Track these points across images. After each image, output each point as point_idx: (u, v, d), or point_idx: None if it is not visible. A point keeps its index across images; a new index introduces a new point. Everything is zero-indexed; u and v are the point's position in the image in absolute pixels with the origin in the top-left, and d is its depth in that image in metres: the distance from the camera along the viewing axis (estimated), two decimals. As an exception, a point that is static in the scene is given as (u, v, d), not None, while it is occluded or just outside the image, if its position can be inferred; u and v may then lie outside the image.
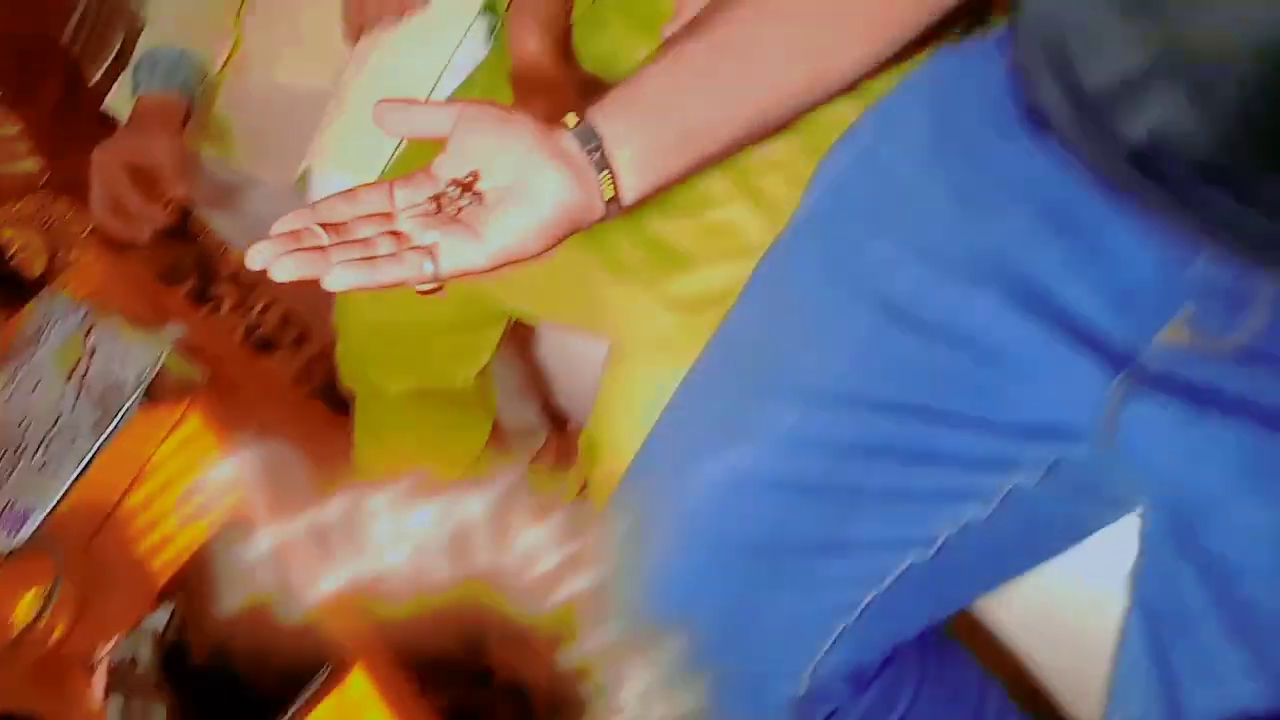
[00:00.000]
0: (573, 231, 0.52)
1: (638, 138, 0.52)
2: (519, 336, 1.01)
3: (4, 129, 1.67)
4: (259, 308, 1.77)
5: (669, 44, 0.55)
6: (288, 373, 1.54)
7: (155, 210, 1.04)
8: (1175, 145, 0.43)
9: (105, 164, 1.04)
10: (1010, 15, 0.52)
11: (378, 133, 1.04)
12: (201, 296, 1.82)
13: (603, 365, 0.83)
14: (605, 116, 0.52)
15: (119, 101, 1.21)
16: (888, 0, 0.54)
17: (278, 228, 0.50)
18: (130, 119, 1.10)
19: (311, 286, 0.49)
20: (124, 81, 1.21)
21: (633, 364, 0.76)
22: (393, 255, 0.49)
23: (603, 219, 0.53)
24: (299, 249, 0.48)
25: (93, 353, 0.85)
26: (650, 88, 0.53)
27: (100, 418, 0.83)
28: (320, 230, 0.49)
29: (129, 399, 0.77)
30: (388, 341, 0.92)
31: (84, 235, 1.16)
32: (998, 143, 0.53)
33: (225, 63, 1.20)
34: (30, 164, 1.80)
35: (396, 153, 1.02)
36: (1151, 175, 0.45)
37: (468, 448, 1.07)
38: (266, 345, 1.64)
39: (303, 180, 1.14)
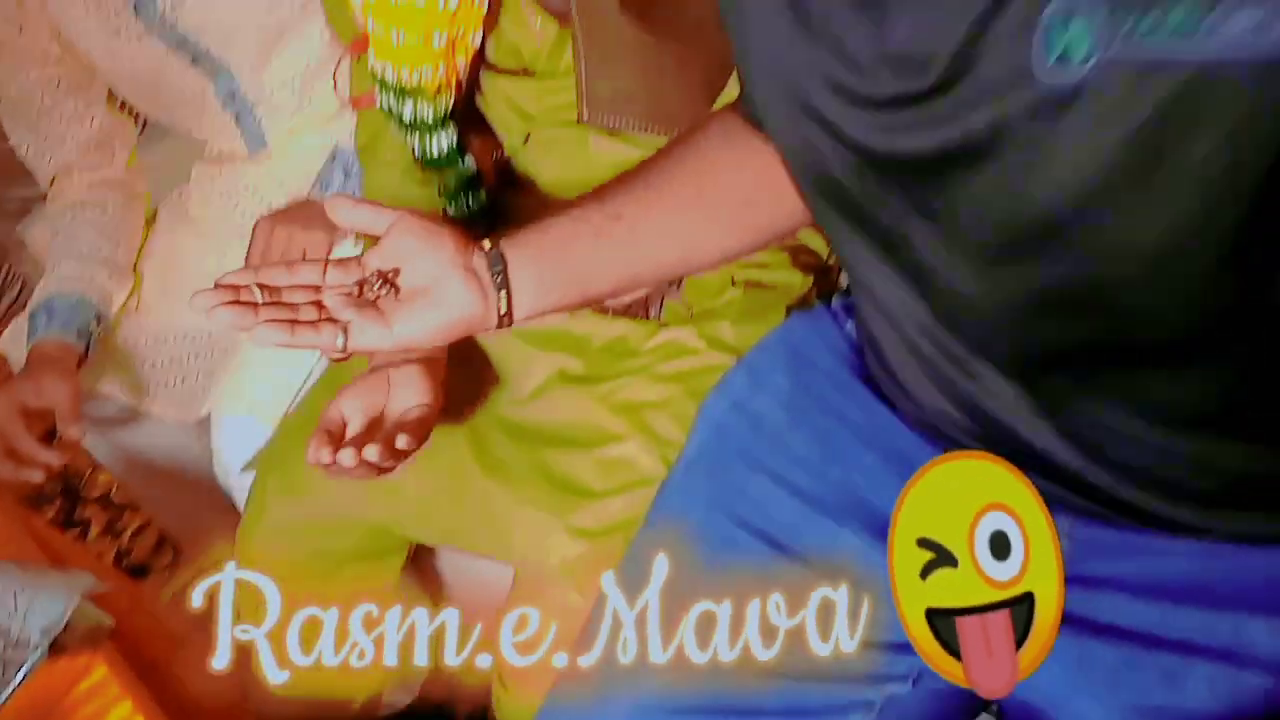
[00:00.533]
0: (467, 334, 0.62)
1: (535, 271, 0.63)
2: (419, 562, 1.05)
3: None
4: (131, 530, 1.73)
5: (584, 198, 0.67)
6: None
7: (50, 454, 1.06)
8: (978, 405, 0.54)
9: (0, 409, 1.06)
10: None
11: (280, 378, 1.11)
12: (68, 521, 1.76)
13: (507, 589, 0.88)
14: (513, 247, 0.63)
15: (9, 344, 1.24)
16: (747, 214, 0.68)
17: (222, 279, 0.58)
18: (26, 364, 1.12)
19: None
20: (17, 326, 1.24)
21: (539, 589, 0.81)
22: (312, 323, 0.57)
23: (494, 328, 0.63)
24: (235, 302, 0.56)
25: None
26: (553, 233, 0.65)
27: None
28: (257, 290, 0.58)
29: (31, 656, 0.76)
30: (289, 576, 0.94)
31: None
32: (845, 399, 0.67)
33: (124, 304, 1.25)
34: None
35: (298, 397, 1.08)
36: (976, 423, 0.56)
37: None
38: (139, 570, 1.60)
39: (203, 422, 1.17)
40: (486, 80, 0.87)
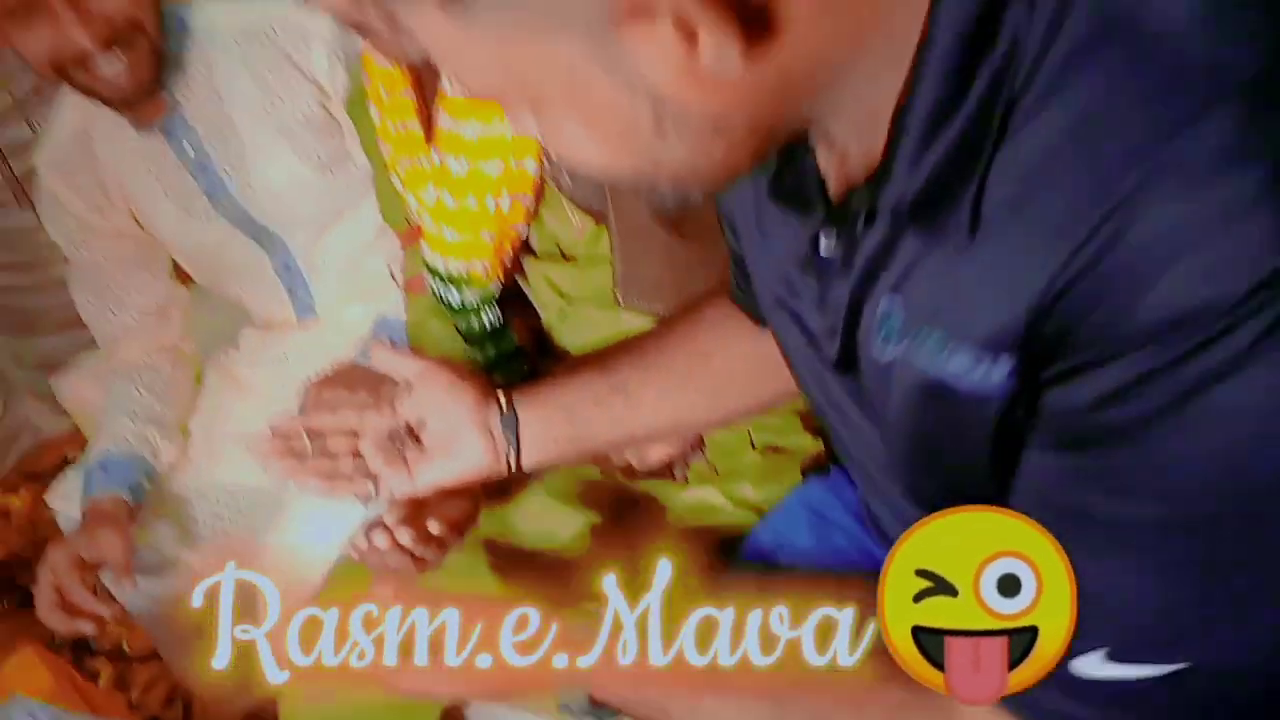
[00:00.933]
0: (481, 478, 0.73)
1: (543, 430, 0.74)
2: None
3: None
4: (142, 685, 1.72)
5: (590, 364, 0.77)
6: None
7: (103, 606, 1.10)
8: None
9: (57, 563, 1.11)
10: None
11: (320, 542, 1.15)
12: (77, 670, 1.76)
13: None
14: (525, 408, 0.74)
15: (61, 500, 1.30)
16: (733, 389, 0.77)
17: (275, 427, 0.69)
18: (83, 519, 1.18)
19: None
20: (69, 480, 1.31)
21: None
22: (348, 476, 0.69)
23: (508, 472, 0.73)
24: (287, 453, 0.68)
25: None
26: (561, 398, 0.75)
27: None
28: (306, 440, 0.69)
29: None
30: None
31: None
32: (860, 555, 0.73)
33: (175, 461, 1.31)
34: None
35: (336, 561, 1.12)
36: None
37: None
38: None
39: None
40: (528, 263, 0.97)
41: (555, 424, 0.75)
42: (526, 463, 0.74)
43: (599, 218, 0.88)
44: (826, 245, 0.50)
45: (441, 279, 0.95)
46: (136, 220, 1.31)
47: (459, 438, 0.72)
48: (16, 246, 1.36)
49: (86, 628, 1.11)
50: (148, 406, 1.30)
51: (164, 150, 1.24)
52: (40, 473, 2.15)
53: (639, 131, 0.41)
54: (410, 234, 1.01)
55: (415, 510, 0.76)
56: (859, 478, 0.66)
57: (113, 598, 1.15)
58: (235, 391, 1.39)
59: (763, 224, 0.58)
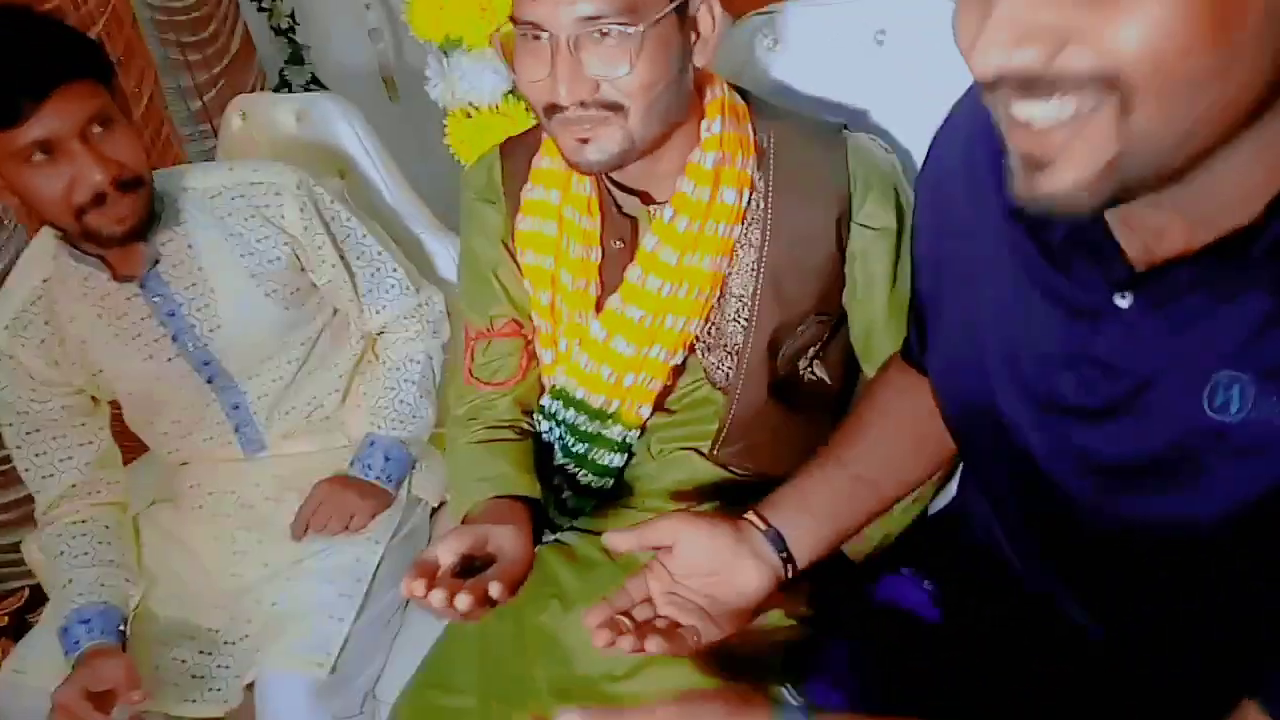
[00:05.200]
0: (772, 592, 0.79)
1: (806, 534, 0.81)
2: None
3: None
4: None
5: (817, 465, 0.85)
6: None
7: None
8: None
9: (66, 697, 1.12)
10: None
11: (325, 630, 1.15)
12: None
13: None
14: (782, 520, 0.80)
15: (25, 664, 1.25)
16: (937, 451, 0.85)
17: (595, 618, 0.76)
18: (78, 663, 1.17)
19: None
20: (32, 645, 1.27)
21: None
22: (670, 633, 0.75)
23: (791, 580, 0.80)
24: (610, 624, 0.75)
25: None
26: (813, 501, 0.82)
27: None
28: (625, 620, 0.76)
29: None
30: None
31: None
32: (938, 660, 0.79)
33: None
34: None
35: (344, 647, 1.21)
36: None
37: None
38: None
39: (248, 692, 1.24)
40: None
41: (815, 526, 0.81)
42: (804, 564, 0.81)
43: (721, 388, 1.01)
44: (1124, 303, 0.58)
45: (585, 410, 1.03)
46: (89, 373, 1.32)
47: (737, 571, 0.78)
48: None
49: None
50: (106, 557, 1.29)
51: (135, 301, 1.27)
52: None
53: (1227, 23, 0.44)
54: (485, 333, 1.09)
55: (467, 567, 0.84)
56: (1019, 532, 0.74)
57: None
58: (178, 536, 1.39)
59: (1020, 282, 0.65)
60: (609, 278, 1.01)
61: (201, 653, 1.29)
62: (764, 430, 1.04)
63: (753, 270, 0.97)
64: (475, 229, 1.09)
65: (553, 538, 1.11)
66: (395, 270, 1.41)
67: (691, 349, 1.01)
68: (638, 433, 1.05)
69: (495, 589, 0.82)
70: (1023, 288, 0.66)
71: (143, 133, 2.14)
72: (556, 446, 1.08)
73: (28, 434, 1.31)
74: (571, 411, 1.05)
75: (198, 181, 1.30)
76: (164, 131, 2.36)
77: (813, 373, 1.07)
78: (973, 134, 0.71)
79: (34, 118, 1.06)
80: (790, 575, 0.81)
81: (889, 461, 0.87)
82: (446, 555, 0.86)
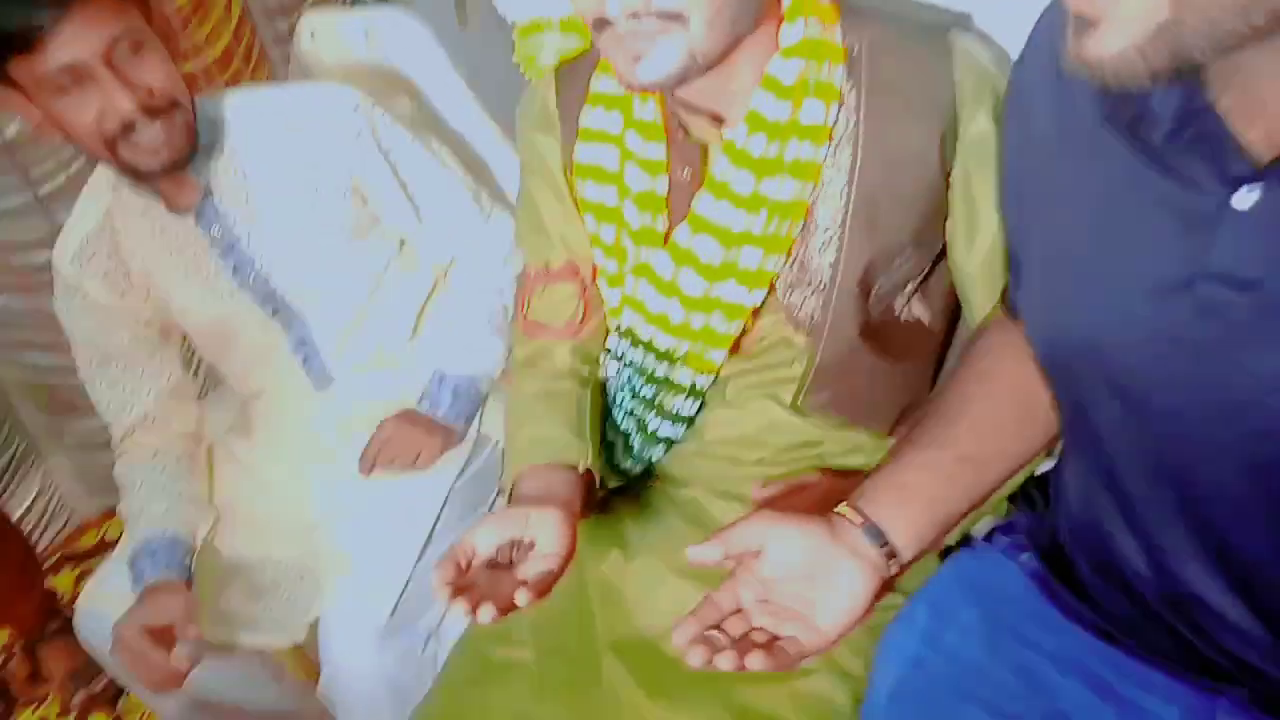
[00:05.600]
0: (877, 593, 0.70)
1: (909, 526, 0.71)
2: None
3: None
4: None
5: (914, 447, 0.75)
6: None
7: (180, 661, 1.11)
8: (1207, 606, 0.63)
9: (125, 632, 1.12)
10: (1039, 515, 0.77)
11: (388, 571, 1.15)
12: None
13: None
14: (880, 513, 0.71)
15: (97, 599, 1.26)
16: (1047, 421, 0.75)
17: (684, 635, 0.68)
18: (140, 597, 1.17)
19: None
20: (104, 579, 1.28)
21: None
22: (767, 647, 0.67)
23: (897, 576, 0.71)
24: (702, 641, 0.67)
25: None
26: (915, 490, 0.73)
27: None
28: (715, 634, 0.68)
29: None
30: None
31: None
32: (1036, 628, 0.73)
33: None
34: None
35: (405, 589, 1.18)
36: (1181, 632, 0.64)
37: None
38: None
39: (312, 629, 1.23)
40: None
41: (918, 517, 0.72)
42: (908, 559, 0.72)
43: (807, 331, 0.91)
44: (1249, 200, 0.52)
45: (653, 352, 0.94)
46: (156, 304, 1.30)
47: (836, 572, 0.69)
48: (57, 327, 1.34)
49: (175, 682, 1.12)
50: (177, 489, 1.29)
51: (193, 232, 1.24)
52: (79, 554, 2.11)
53: None
54: (541, 276, 1.01)
55: (505, 556, 0.79)
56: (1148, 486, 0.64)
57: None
58: (250, 470, 1.38)
59: (1115, 198, 0.58)
60: (678, 212, 0.90)
61: (273, 583, 1.29)
62: (853, 377, 0.93)
63: (842, 197, 0.85)
64: (530, 162, 0.99)
65: (619, 483, 1.04)
66: (463, 198, 1.33)
67: (771, 288, 0.90)
68: (710, 378, 0.95)
69: (521, 598, 0.74)
70: (1118, 204, 0.59)
71: (232, 55, 2.11)
72: (625, 389, 1.00)
73: (99, 365, 1.31)
74: (639, 352, 0.96)
75: (249, 106, 1.24)
76: (255, 52, 2.32)
77: (910, 312, 0.95)
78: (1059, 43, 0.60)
79: (54, 40, 1.01)
80: (895, 571, 0.72)
81: (995, 437, 0.76)
82: (484, 545, 0.79)
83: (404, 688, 1.17)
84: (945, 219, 0.88)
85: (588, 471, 0.92)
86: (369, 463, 1.29)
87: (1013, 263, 0.73)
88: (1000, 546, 0.80)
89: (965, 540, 0.87)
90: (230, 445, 1.41)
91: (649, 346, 0.95)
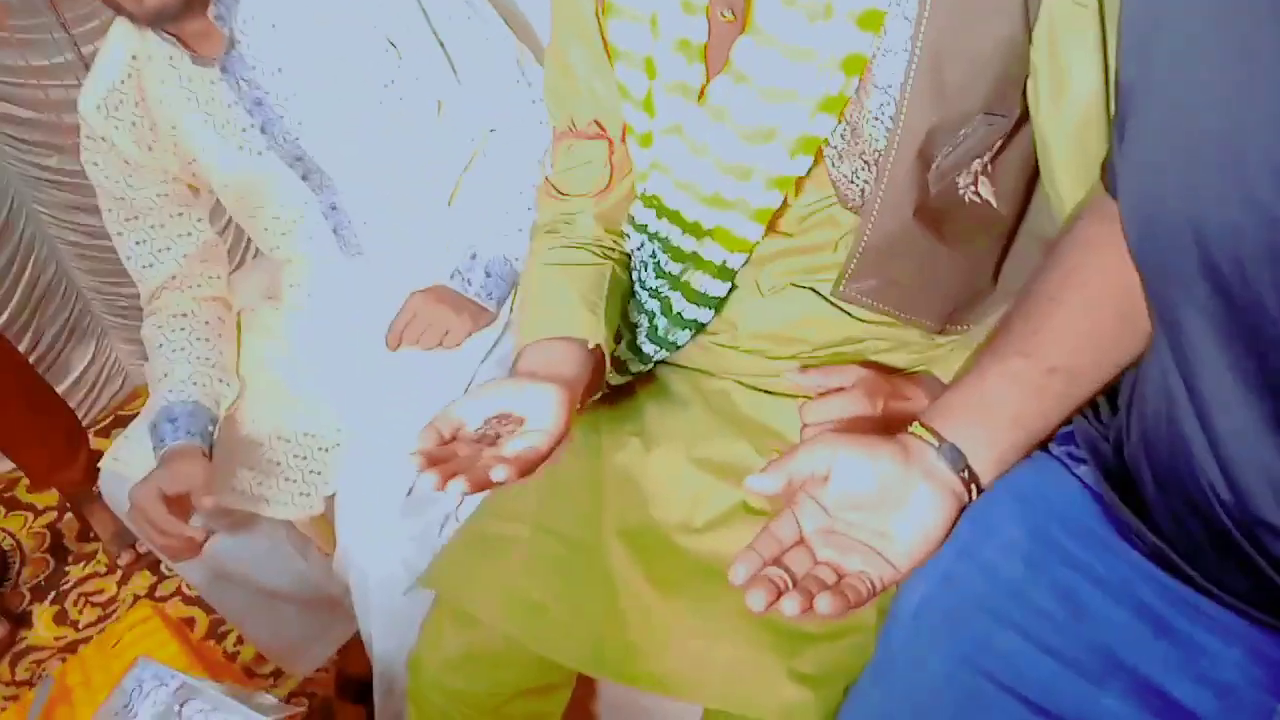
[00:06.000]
0: (955, 518, 0.64)
1: (991, 446, 0.64)
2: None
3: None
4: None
5: (996, 356, 0.67)
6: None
7: (195, 530, 1.11)
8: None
9: (142, 497, 1.11)
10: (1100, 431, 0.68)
11: (406, 452, 1.13)
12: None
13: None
14: (958, 431, 0.64)
15: (118, 462, 1.26)
16: (1130, 334, 0.65)
17: (742, 572, 0.61)
18: (160, 462, 1.16)
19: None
20: (128, 441, 1.27)
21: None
22: (834, 587, 0.60)
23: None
24: (763, 581, 0.60)
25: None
26: (997, 406, 0.65)
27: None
28: (777, 571, 0.61)
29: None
30: (460, 707, 0.94)
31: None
32: (1086, 550, 0.64)
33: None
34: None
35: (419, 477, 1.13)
36: (1255, 565, 0.56)
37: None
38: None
39: (330, 501, 1.20)
40: None
41: (1002, 436, 0.65)
42: (989, 482, 0.65)
43: (855, 208, 0.81)
44: None
45: (680, 224, 0.85)
46: (183, 160, 1.25)
47: (908, 498, 0.62)
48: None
49: (189, 549, 1.13)
50: (202, 354, 1.26)
51: (219, 86, 1.18)
52: (131, 417, 2.18)
53: None
54: (566, 133, 0.92)
55: (494, 430, 0.73)
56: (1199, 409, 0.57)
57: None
58: (277, 340, 1.35)
59: (1258, 45, 0.48)
60: (717, 61, 0.79)
61: (295, 456, 1.27)
62: (904, 263, 0.82)
63: (905, 50, 0.73)
64: (561, 5, 0.89)
65: (640, 369, 0.97)
66: (505, 59, 1.24)
67: (818, 155, 0.80)
68: (743, 257, 0.86)
69: (498, 473, 0.68)
70: (1263, 55, 0.48)
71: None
72: (650, 264, 0.91)
73: (126, 220, 1.27)
74: (664, 223, 0.87)
75: None
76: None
77: (976, 193, 0.83)
78: None
79: None
80: (974, 496, 0.64)
81: (1090, 345, 0.67)
82: (471, 417, 0.74)
83: (418, 568, 1.13)
84: (1025, 82, 0.76)
85: (599, 351, 0.85)
86: (395, 337, 1.24)
87: (1119, 128, 0.61)
88: (1057, 455, 0.70)
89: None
90: (259, 313, 1.37)
91: (676, 217, 0.86)
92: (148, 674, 0.87)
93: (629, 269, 0.94)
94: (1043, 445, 0.71)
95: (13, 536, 2.03)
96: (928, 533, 0.63)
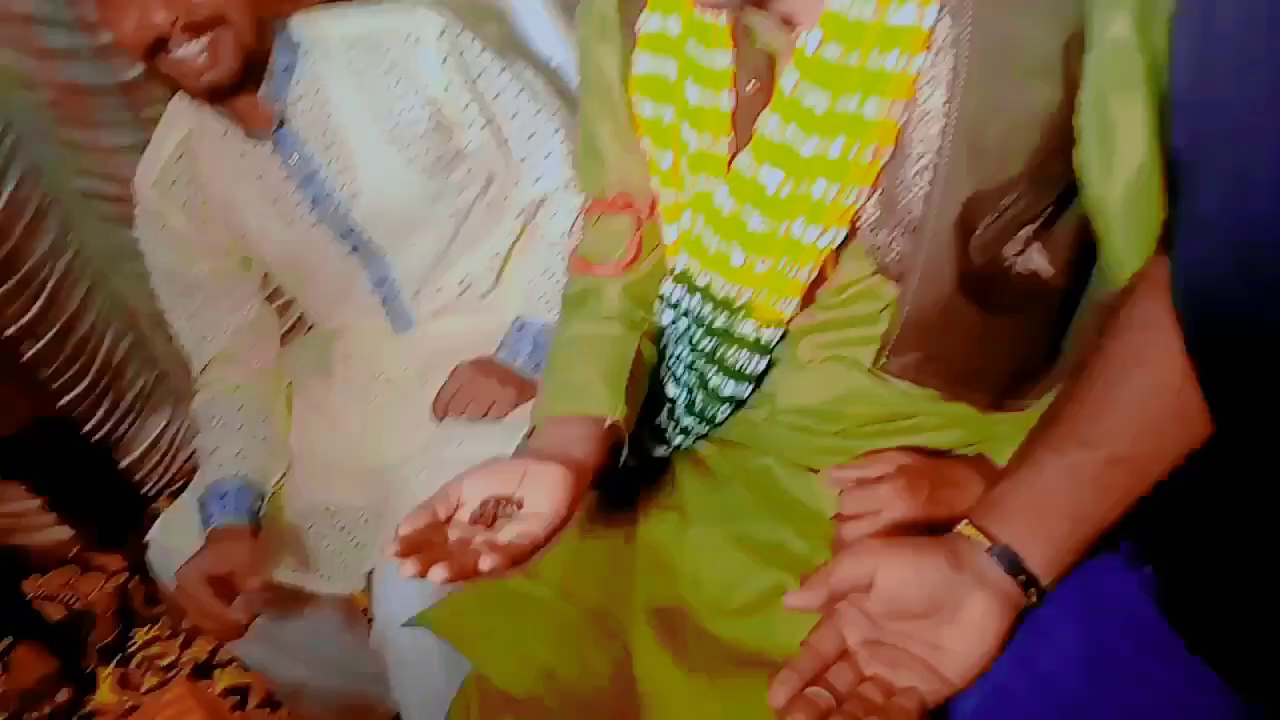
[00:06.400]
0: (1011, 627, 0.59)
1: (1052, 549, 0.59)
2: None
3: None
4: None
5: (1051, 448, 0.61)
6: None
7: (239, 612, 1.09)
8: None
9: (187, 579, 1.10)
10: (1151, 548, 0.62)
11: None
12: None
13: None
14: (1012, 529, 0.59)
15: (167, 534, 1.26)
16: (1196, 418, 0.58)
17: (782, 694, 0.56)
18: (206, 542, 1.15)
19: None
20: (174, 515, 1.27)
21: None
22: (883, 709, 0.55)
23: (1034, 605, 0.60)
24: (806, 704, 0.56)
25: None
26: (1055, 501, 0.60)
27: None
28: (820, 691, 0.56)
29: None
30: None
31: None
32: (1155, 660, 0.59)
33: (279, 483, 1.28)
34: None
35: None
36: None
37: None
38: None
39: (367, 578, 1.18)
40: None
41: (1061, 536, 0.60)
42: (1048, 585, 0.60)
43: (896, 278, 0.76)
44: None
45: (711, 300, 0.83)
46: (235, 235, 1.27)
47: (960, 606, 0.58)
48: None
49: (235, 632, 1.11)
50: (252, 430, 1.27)
51: (271, 160, 1.20)
52: None
53: None
54: (595, 206, 0.91)
55: (492, 512, 0.69)
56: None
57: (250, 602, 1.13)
58: (327, 413, 1.35)
59: None
60: (743, 132, 0.77)
61: (341, 529, 1.26)
62: (950, 337, 0.77)
63: (940, 117, 0.69)
64: (588, 75, 0.87)
65: (680, 443, 0.93)
66: (556, 133, 1.24)
67: (853, 226, 0.76)
68: (777, 332, 0.82)
69: (485, 562, 0.65)
70: None
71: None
72: (683, 340, 0.88)
73: (179, 296, 1.30)
74: (696, 300, 0.84)
75: (333, 27, 1.18)
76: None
77: (1025, 263, 0.78)
78: None
79: None
80: (1035, 600, 0.59)
81: (1155, 432, 0.61)
82: (471, 497, 0.71)
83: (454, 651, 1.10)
84: (1071, 149, 0.71)
85: (616, 428, 0.81)
86: (442, 409, 1.23)
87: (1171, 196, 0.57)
88: (1119, 553, 0.64)
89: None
90: (307, 385, 1.38)
91: (706, 293, 0.83)
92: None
93: (659, 343, 0.91)
94: (1105, 542, 0.65)
95: (85, 599, 2.07)
96: (983, 643, 0.58)
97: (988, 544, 0.59)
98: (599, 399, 0.82)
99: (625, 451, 0.84)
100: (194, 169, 1.23)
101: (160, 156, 1.23)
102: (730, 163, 0.78)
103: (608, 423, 0.81)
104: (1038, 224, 0.75)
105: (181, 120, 1.22)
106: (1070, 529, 0.60)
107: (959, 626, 0.58)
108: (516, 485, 0.72)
